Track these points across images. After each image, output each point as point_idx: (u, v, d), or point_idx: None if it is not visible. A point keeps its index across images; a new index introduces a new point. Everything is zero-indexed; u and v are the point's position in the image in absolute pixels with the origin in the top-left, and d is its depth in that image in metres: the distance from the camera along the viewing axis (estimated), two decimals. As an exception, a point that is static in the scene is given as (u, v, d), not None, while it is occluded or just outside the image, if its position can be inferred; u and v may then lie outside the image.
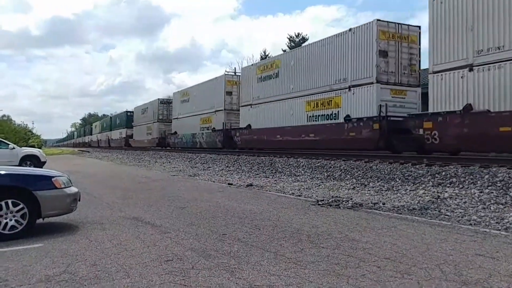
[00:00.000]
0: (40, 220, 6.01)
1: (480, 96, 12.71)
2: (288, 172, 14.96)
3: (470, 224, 6.31)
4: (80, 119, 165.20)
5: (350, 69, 18.03)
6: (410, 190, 9.63)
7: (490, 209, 7.36)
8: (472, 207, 7.57)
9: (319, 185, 11.64)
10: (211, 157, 23.60)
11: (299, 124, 21.26)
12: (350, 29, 18.31)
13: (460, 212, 7.17)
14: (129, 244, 5.17)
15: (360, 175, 12.34)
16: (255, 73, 26.10)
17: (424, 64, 18.25)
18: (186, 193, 10.38)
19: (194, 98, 35.97)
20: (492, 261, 4.32)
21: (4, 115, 70.03)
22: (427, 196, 8.79)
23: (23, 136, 53.00)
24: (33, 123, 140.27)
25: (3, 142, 21.16)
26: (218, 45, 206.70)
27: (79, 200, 6.57)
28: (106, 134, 70.95)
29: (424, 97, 16.41)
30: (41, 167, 17.13)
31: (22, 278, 3.95)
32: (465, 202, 7.94)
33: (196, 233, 5.81)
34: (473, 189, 8.97)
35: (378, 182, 11.19)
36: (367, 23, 17.49)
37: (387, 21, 17.24)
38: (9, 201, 5.60)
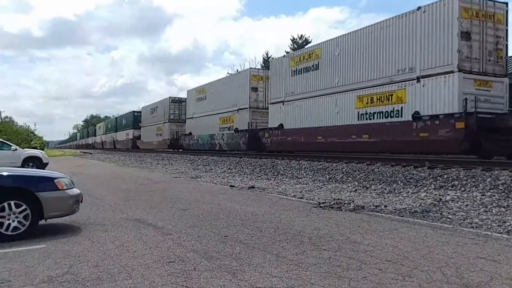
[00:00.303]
0: (42, 222, 6.04)
1: None
2: (290, 175, 14.97)
3: (472, 227, 6.31)
4: (82, 121, 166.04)
5: (419, 57, 15.18)
6: (412, 193, 9.62)
7: (492, 212, 7.36)
8: (474, 210, 7.56)
9: (321, 188, 11.66)
10: (213, 159, 23.61)
11: (346, 123, 18.25)
12: (419, 8, 15.20)
13: (462, 215, 7.17)
14: (131, 246, 5.19)
15: (362, 178, 12.34)
16: (288, 65, 22.87)
17: None
18: (188, 195, 10.40)
19: (212, 96, 32.60)
20: (493, 264, 4.32)
21: (6, 117, 70.47)
22: (429, 199, 8.79)
23: (25, 137, 53.29)
24: (35, 125, 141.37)
25: (6, 143, 21.27)
26: (221, 46, 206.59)
27: (81, 202, 6.61)
28: (111, 135, 67.68)
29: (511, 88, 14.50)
30: (44, 169, 17.17)
31: (25, 279, 3.97)
32: (467, 205, 7.94)
33: (198, 234, 5.83)
34: (475, 192, 8.96)
35: (380, 184, 11.19)
36: None
37: None
38: (12, 202, 5.62)
